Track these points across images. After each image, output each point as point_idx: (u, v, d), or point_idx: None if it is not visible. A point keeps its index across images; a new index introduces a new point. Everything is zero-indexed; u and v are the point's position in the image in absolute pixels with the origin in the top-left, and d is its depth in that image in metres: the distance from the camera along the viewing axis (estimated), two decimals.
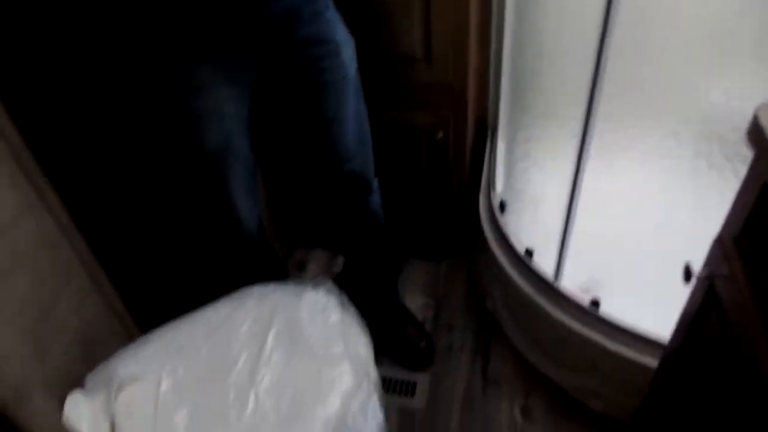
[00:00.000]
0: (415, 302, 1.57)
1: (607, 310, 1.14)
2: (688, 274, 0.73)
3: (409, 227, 1.60)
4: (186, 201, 1.17)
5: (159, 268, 1.31)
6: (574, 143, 1.01)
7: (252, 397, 0.87)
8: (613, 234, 1.09)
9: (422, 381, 1.40)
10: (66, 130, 1.08)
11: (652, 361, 1.03)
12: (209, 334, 0.98)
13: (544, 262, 1.26)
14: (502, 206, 1.43)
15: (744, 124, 0.61)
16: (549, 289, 1.22)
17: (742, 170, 0.66)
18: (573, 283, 1.21)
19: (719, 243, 0.70)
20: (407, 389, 1.39)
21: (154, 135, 1.08)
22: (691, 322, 0.80)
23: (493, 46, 1.36)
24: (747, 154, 0.65)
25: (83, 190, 1.07)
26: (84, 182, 1.09)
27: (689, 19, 0.83)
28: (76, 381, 0.93)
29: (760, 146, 0.58)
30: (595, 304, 1.15)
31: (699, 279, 0.72)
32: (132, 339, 1.10)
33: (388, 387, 1.40)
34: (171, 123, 0.97)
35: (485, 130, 1.62)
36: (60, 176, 1.00)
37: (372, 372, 0.92)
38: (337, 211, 1.28)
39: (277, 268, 1.33)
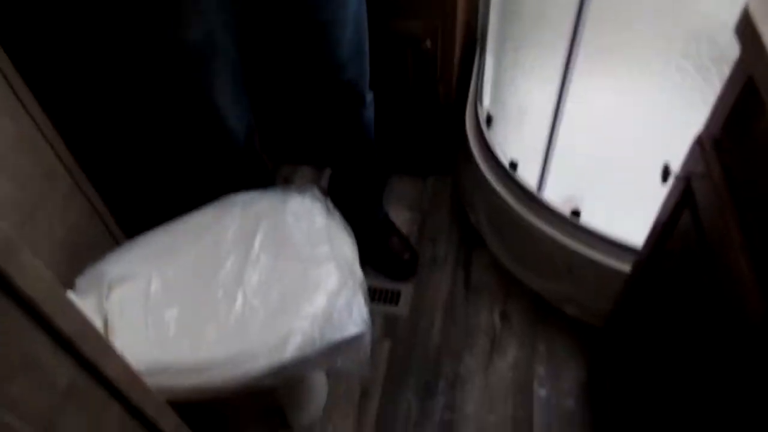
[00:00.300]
0: (400, 216, 1.60)
1: (587, 219, 1.17)
2: (666, 173, 0.75)
3: (395, 142, 1.60)
4: (169, 104, 1.13)
5: (143, 173, 1.30)
6: (563, 48, 1.00)
7: (240, 295, 0.90)
8: (598, 143, 1.10)
9: (406, 290, 1.45)
10: (41, 24, 1.03)
11: (626, 267, 1.08)
12: (197, 238, 0.99)
13: (528, 175, 1.28)
14: (489, 120, 1.42)
15: (733, 22, 0.60)
16: (531, 200, 1.25)
17: (727, 73, 0.66)
18: (555, 194, 1.24)
19: (698, 143, 0.71)
20: (392, 298, 1.44)
21: (132, 28, 1.03)
22: (665, 223, 0.82)
23: None
24: (733, 55, 0.65)
25: (61, 89, 1.04)
26: (62, 82, 1.06)
27: None
28: (63, 285, 0.94)
29: (748, 38, 0.58)
30: (576, 213, 1.18)
31: (676, 179, 0.74)
32: (118, 244, 1.11)
33: (373, 296, 1.44)
34: (148, 15, 0.92)
35: (474, 43, 1.58)
36: (37, 75, 0.96)
37: (357, 271, 0.95)
38: (328, 123, 1.26)
39: (265, 177, 1.32)
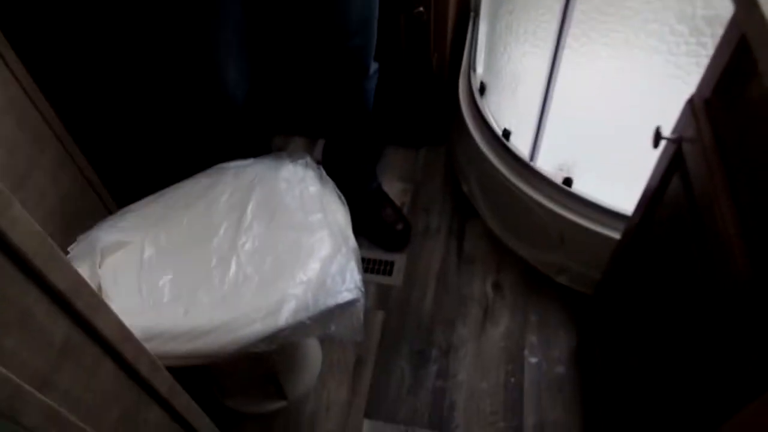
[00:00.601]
0: (393, 187, 1.60)
1: (579, 187, 1.18)
2: (657, 137, 0.75)
3: (388, 111, 1.59)
4: (166, 60, 1.11)
5: (136, 138, 1.28)
6: (557, 12, 0.99)
7: (234, 262, 0.90)
8: (591, 110, 1.10)
9: (399, 260, 1.46)
10: None
11: (617, 235, 1.09)
12: (189, 206, 0.99)
13: (521, 144, 1.27)
14: (482, 89, 1.41)
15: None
16: (524, 168, 1.25)
17: (721, 34, 0.66)
18: (548, 163, 1.24)
19: (689, 105, 0.71)
20: (385, 268, 1.45)
21: None
22: (656, 188, 0.83)
23: None
24: (728, 16, 0.65)
25: (49, 52, 1.02)
26: (50, 44, 1.04)
27: None
28: None
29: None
30: (568, 182, 1.19)
31: (667, 142, 0.74)
32: (109, 212, 1.11)
33: (367, 267, 1.45)
34: None
35: (468, 9, 1.57)
36: (24, 33, 0.94)
37: (350, 239, 0.95)
38: (329, 92, 1.24)
39: (260, 146, 1.31)
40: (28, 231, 0.42)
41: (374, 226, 1.47)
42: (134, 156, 1.29)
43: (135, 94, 1.23)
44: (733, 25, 0.62)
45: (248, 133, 1.23)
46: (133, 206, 1.01)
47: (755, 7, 0.55)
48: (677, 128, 0.74)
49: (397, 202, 1.55)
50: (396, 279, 1.43)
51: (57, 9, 1.06)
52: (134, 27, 1.10)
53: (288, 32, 1.24)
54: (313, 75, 1.24)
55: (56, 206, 1.03)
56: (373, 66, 1.20)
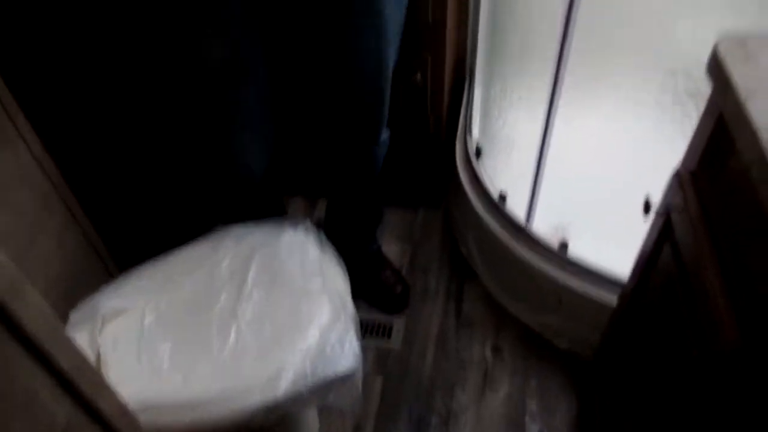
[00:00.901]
0: (391, 247, 1.61)
1: (575, 251, 1.20)
2: (647, 206, 0.77)
3: (386, 172, 1.62)
4: (179, 130, 1.09)
5: (142, 203, 1.28)
6: (548, 80, 1.04)
7: (234, 330, 0.90)
8: (583, 175, 1.13)
9: (398, 323, 1.46)
10: (42, 51, 1.01)
11: (614, 300, 1.09)
12: (190, 272, 1.00)
13: (517, 206, 1.30)
14: (478, 152, 1.46)
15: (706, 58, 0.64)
16: (520, 232, 1.27)
17: (703, 107, 0.70)
18: (544, 225, 1.26)
19: (677, 177, 0.74)
20: (384, 331, 1.45)
21: (146, 39, 0.95)
22: (648, 256, 0.84)
23: None
24: (708, 90, 0.69)
25: (60, 116, 1.03)
26: (61, 108, 1.04)
27: None
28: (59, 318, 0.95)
29: (718, 78, 0.61)
30: (564, 246, 1.20)
31: (657, 213, 0.76)
32: (111, 276, 1.12)
33: (366, 330, 1.44)
34: (165, 24, 0.86)
35: (463, 74, 1.63)
36: (36, 107, 0.97)
37: (349, 306, 0.96)
38: (338, 157, 1.24)
39: (275, 213, 1.25)
40: (40, 314, 0.43)
41: (373, 289, 1.48)
42: (139, 219, 1.30)
43: (145, 161, 1.23)
44: (712, 103, 0.65)
45: (266, 203, 1.22)
46: (135, 271, 1.02)
47: (730, 88, 0.58)
48: (665, 199, 0.76)
49: (396, 263, 1.56)
50: (395, 342, 1.42)
51: (70, 73, 1.06)
52: (151, 95, 1.09)
53: (302, 97, 1.23)
54: (323, 139, 1.24)
55: (60, 272, 1.04)
56: (385, 133, 1.21)
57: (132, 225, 1.28)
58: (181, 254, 1.04)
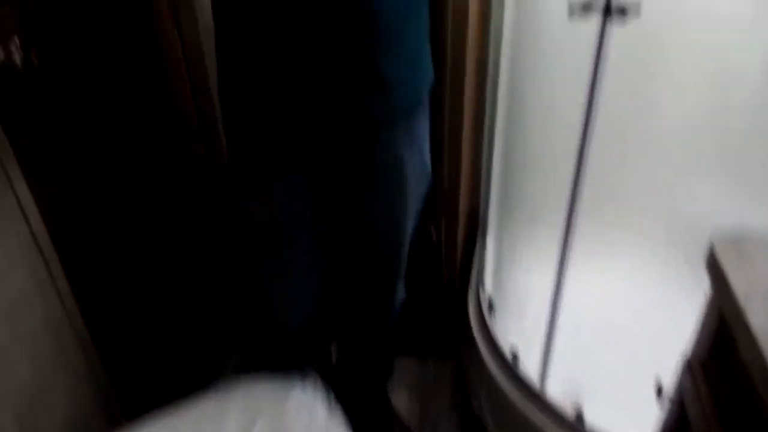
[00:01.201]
0: (401, 399, 1.57)
1: (589, 417, 1.15)
2: (659, 390, 0.76)
3: (398, 321, 1.63)
4: (213, 283, 1.14)
5: (157, 356, 1.29)
6: (558, 241, 1.07)
7: None
8: (593, 341, 1.13)
9: None
10: (86, 207, 1.07)
11: None
12: (196, 427, 0.99)
13: (530, 364, 1.28)
14: (491, 306, 1.47)
15: (708, 232, 0.66)
16: (534, 397, 1.24)
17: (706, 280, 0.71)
18: (557, 386, 1.23)
19: (688, 367, 0.74)
20: None
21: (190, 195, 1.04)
22: None
23: (485, 150, 1.46)
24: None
25: (95, 276, 1.08)
26: (98, 267, 1.10)
27: (658, 141, 0.93)
28: None
29: (715, 276, 0.64)
30: (579, 415, 1.17)
31: (671, 402, 0.75)
32: (116, 426, 1.10)
33: None
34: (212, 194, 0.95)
35: (476, 229, 1.69)
36: (73, 259, 1.02)
37: None
38: (353, 309, 1.28)
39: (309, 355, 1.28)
40: None
41: None
42: (152, 368, 1.30)
43: (175, 311, 1.26)
44: (713, 299, 0.68)
45: (299, 347, 1.23)
46: (139, 424, 1.01)
47: (728, 290, 0.61)
48: (678, 387, 0.76)
49: (405, 414, 1.51)
50: None
51: (111, 233, 1.13)
52: (188, 239, 1.16)
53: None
54: (340, 292, 1.27)
55: (67, 420, 1.03)
56: (401, 292, 1.24)
57: (147, 369, 1.27)
58: (186, 411, 1.02)
